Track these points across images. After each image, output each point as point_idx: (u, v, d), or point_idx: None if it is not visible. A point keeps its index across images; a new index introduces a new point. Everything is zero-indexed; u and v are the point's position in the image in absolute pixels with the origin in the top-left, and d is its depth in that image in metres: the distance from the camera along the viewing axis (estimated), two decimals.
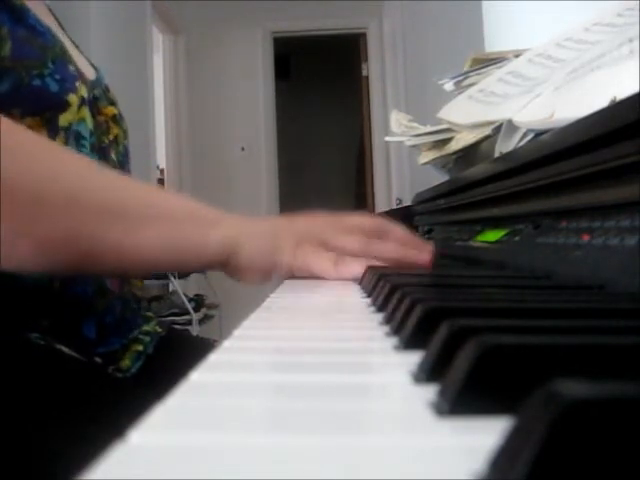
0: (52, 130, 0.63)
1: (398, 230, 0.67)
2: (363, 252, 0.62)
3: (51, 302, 0.64)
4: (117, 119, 0.77)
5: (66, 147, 0.63)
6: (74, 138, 0.66)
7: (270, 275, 0.61)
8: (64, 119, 0.64)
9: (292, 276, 0.62)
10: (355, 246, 0.62)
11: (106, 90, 0.77)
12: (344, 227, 0.64)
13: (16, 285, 0.61)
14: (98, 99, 0.73)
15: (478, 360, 0.19)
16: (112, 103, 0.77)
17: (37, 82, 0.62)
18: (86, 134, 0.68)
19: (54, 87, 0.63)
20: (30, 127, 0.60)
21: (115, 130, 0.76)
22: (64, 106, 0.64)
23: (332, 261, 0.61)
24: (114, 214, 0.52)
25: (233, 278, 0.61)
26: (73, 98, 0.66)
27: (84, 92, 0.68)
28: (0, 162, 0.46)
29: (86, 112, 0.68)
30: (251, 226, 0.60)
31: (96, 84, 0.74)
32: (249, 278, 0.60)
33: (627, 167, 0.44)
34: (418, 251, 0.65)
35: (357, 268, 0.61)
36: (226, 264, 0.58)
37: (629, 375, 0.19)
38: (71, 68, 0.68)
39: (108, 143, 0.74)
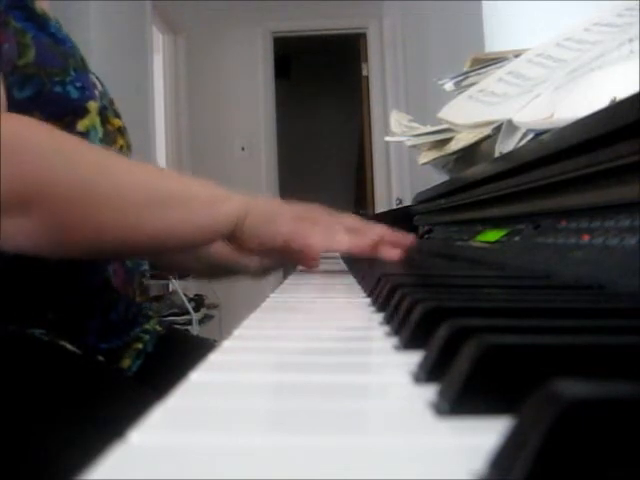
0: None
1: (378, 227, 0.74)
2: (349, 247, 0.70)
3: (57, 296, 0.64)
4: (122, 131, 0.78)
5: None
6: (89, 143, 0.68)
7: (269, 244, 0.66)
8: (82, 125, 0.67)
9: (288, 246, 0.67)
10: (342, 228, 0.70)
11: (111, 103, 0.78)
12: (334, 217, 0.71)
13: (23, 278, 0.62)
14: (107, 109, 0.74)
15: (478, 360, 0.19)
16: (117, 116, 0.78)
17: (59, 89, 0.64)
18: (95, 141, 0.69)
19: (74, 94, 0.66)
20: None
21: (120, 142, 0.77)
22: (83, 113, 0.67)
23: (323, 235, 0.68)
24: (149, 202, 0.58)
25: (237, 249, 0.67)
26: (92, 105, 0.68)
27: (99, 101, 0.71)
28: (45, 167, 0.52)
29: (97, 120, 0.70)
30: (254, 201, 0.66)
31: (103, 94, 0.76)
32: (250, 246, 0.66)
33: (627, 167, 0.44)
34: (394, 245, 0.73)
35: (346, 243, 0.69)
36: (231, 235, 0.64)
37: (629, 375, 0.19)
38: (90, 76, 0.71)
39: (115, 151, 0.75)
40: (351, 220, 0.73)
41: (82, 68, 0.69)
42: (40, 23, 0.66)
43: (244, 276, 0.90)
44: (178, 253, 0.84)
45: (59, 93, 0.64)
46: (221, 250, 0.79)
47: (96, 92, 0.71)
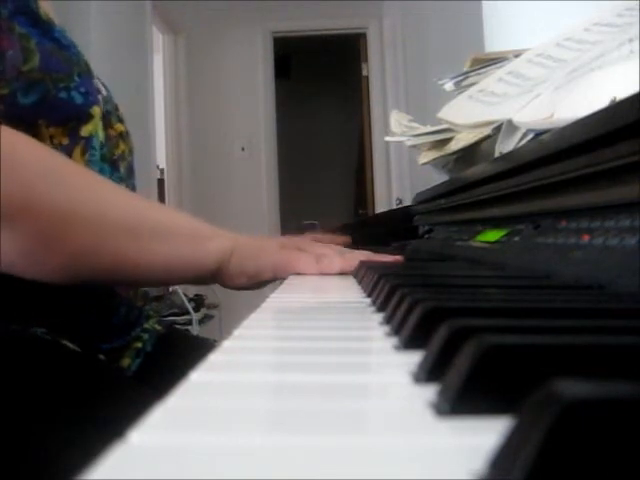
0: (73, 139, 0.66)
1: (364, 252, 0.76)
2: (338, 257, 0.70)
3: (59, 298, 0.65)
4: (124, 136, 0.79)
5: (87, 169, 0.67)
6: (91, 148, 0.69)
7: (257, 278, 0.67)
8: (86, 130, 0.68)
9: (277, 277, 0.68)
10: (330, 252, 0.71)
11: (116, 108, 0.78)
12: (320, 244, 0.73)
13: (24, 279, 0.62)
14: (110, 113, 0.75)
15: (478, 360, 0.19)
16: (120, 120, 0.78)
17: (63, 94, 0.65)
18: (96, 145, 0.69)
19: (79, 99, 0.66)
20: (53, 136, 0.63)
21: (122, 147, 0.77)
22: (87, 118, 0.67)
23: (313, 259, 0.68)
24: (133, 232, 0.58)
25: (224, 285, 0.67)
26: (96, 110, 0.69)
27: (102, 106, 0.71)
28: (35, 185, 0.52)
29: (99, 125, 0.70)
30: (239, 239, 0.66)
31: (108, 99, 0.76)
32: (239, 283, 0.66)
33: (627, 167, 0.44)
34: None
35: (337, 264, 0.68)
36: (218, 273, 0.64)
37: (629, 375, 0.19)
38: (95, 82, 0.71)
39: (117, 157, 0.75)
40: (336, 248, 0.74)
41: (87, 73, 0.70)
42: (45, 29, 0.66)
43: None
44: (158, 287, 0.84)
45: (64, 99, 0.65)
46: None
47: (100, 97, 0.71)
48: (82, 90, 0.67)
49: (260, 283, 0.69)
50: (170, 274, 0.63)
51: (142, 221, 0.59)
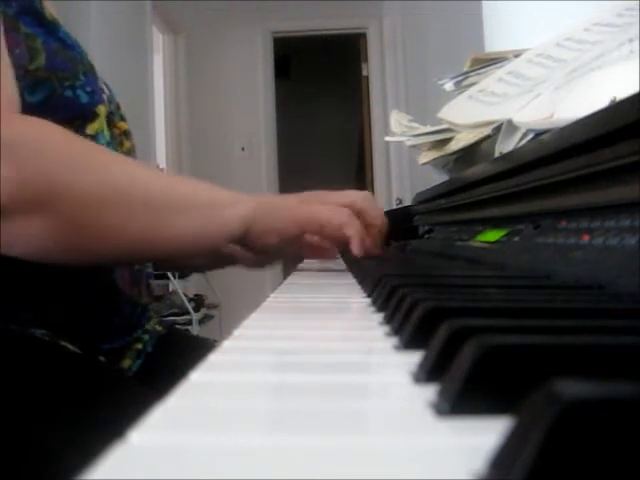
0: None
1: (378, 216, 0.76)
2: (355, 201, 0.72)
3: (60, 298, 0.64)
4: (127, 134, 0.79)
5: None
6: None
7: (285, 233, 0.68)
8: (91, 128, 0.68)
9: (304, 231, 0.69)
10: (348, 198, 0.73)
11: (118, 107, 0.79)
12: (338, 199, 0.73)
13: (26, 280, 0.62)
14: (113, 113, 0.76)
15: (478, 360, 0.19)
16: (123, 119, 0.79)
17: (69, 93, 0.65)
18: (104, 143, 0.70)
19: (84, 98, 0.67)
20: None
21: (127, 144, 0.78)
22: (93, 117, 0.68)
23: (333, 209, 0.69)
24: (159, 209, 0.59)
25: (255, 248, 0.68)
26: (101, 109, 0.69)
27: (107, 105, 0.72)
28: (65, 170, 0.54)
29: (104, 123, 0.71)
30: (261, 199, 0.68)
31: (111, 99, 0.77)
32: (268, 241, 0.67)
33: (627, 167, 0.44)
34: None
35: (356, 226, 0.69)
36: (246, 236, 0.65)
37: (629, 375, 0.19)
38: (99, 81, 0.72)
39: (123, 153, 0.76)
40: (354, 197, 0.75)
41: (91, 73, 0.70)
42: (50, 29, 0.67)
43: (243, 265, 0.91)
44: (188, 259, 0.86)
45: (69, 97, 0.65)
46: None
47: (104, 96, 0.72)
48: (88, 89, 0.67)
49: (289, 240, 0.70)
50: (198, 244, 0.64)
51: (167, 196, 0.61)
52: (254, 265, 0.90)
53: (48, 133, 0.55)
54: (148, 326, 0.78)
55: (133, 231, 0.58)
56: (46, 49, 0.64)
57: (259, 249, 0.69)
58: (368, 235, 0.72)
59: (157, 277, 2.89)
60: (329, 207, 0.70)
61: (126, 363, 0.71)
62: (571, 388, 0.14)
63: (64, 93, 0.65)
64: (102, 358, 0.68)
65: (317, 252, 0.82)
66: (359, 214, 0.71)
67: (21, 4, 0.63)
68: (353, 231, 0.69)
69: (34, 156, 0.52)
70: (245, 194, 0.67)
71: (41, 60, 0.63)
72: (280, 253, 0.81)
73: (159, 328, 0.81)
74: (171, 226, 0.60)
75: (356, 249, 0.69)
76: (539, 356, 0.19)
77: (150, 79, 3.50)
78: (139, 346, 0.73)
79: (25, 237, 0.53)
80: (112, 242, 0.58)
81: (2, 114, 0.52)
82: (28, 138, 0.53)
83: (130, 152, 0.79)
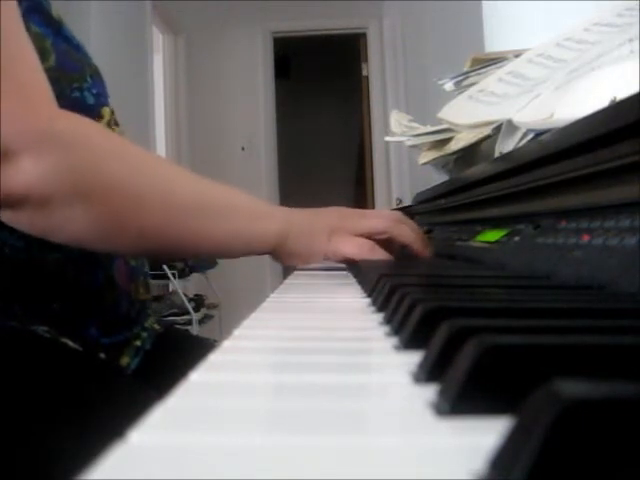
0: None
1: (410, 222, 0.79)
2: (384, 231, 0.74)
3: (59, 292, 0.65)
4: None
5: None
6: None
7: (308, 261, 0.71)
8: None
9: (327, 259, 0.72)
10: (379, 226, 0.73)
11: (112, 112, 0.79)
12: (368, 216, 0.75)
13: (25, 275, 0.63)
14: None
15: (478, 360, 0.19)
16: (116, 124, 0.79)
17: (76, 94, 0.66)
18: None
19: (90, 100, 0.68)
20: None
21: None
22: (97, 118, 0.69)
23: (357, 244, 0.71)
24: (196, 211, 0.62)
25: (277, 261, 0.71)
26: (106, 111, 0.71)
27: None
28: (109, 167, 0.56)
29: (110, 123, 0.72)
30: (295, 219, 0.70)
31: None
32: (291, 263, 0.71)
33: (627, 167, 0.44)
34: (423, 245, 0.77)
35: (379, 255, 0.71)
36: (274, 252, 0.68)
37: (629, 375, 0.19)
38: (104, 83, 0.73)
39: None
40: (386, 214, 0.77)
41: (97, 75, 0.71)
42: (57, 28, 0.67)
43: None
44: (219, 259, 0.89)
45: (77, 98, 0.66)
46: None
47: (109, 99, 0.73)
48: (94, 91, 0.68)
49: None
50: (230, 250, 0.67)
51: (205, 200, 0.63)
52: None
53: (99, 130, 0.58)
54: (146, 324, 0.78)
55: (169, 232, 0.60)
56: (56, 50, 0.65)
57: (285, 264, 0.72)
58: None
59: (157, 277, 2.89)
60: (356, 244, 0.71)
61: (124, 360, 0.71)
62: (571, 388, 0.14)
63: (72, 94, 0.65)
64: (102, 355, 0.68)
65: None
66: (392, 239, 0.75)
67: (30, 2, 0.64)
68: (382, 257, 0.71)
69: (82, 149, 0.55)
70: (281, 208, 0.70)
71: (51, 61, 0.64)
72: None
73: (157, 327, 0.81)
74: (208, 229, 0.62)
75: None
76: (539, 356, 0.19)
77: (150, 79, 3.50)
78: (138, 343, 0.73)
79: (67, 226, 0.55)
80: (149, 240, 0.60)
81: (52, 109, 0.54)
82: (78, 133, 0.55)
83: None
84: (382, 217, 0.75)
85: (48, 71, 0.62)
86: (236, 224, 0.64)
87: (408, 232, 0.75)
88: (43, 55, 0.63)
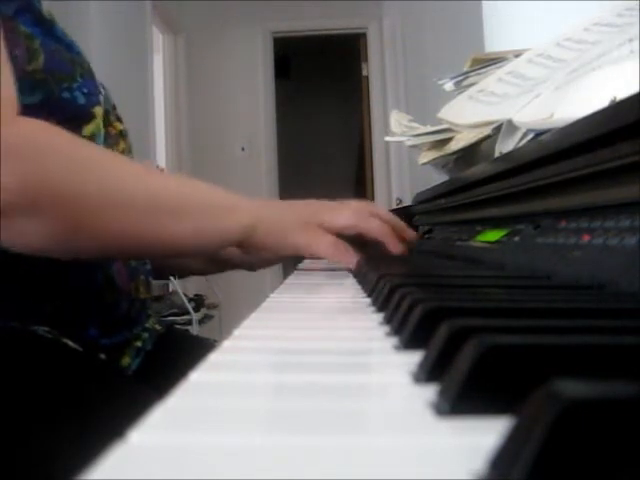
0: None
1: (385, 212, 0.78)
2: (355, 225, 0.72)
3: (59, 293, 0.65)
4: (124, 134, 0.79)
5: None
6: None
7: (279, 254, 0.69)
8: (88, 129, 0.68)
9: (298, 255, 0.71)
10: (349, 221, 0.72)
11: (114, 107, 0.79)
12: (338, 209, 0.74)
13: (25, 275, 0.63)
14: (109, 112, 0.76)
15: (478, 360, 0.19)
16: (119, 119, 0.79)
17: (66, 94, 0.65)
18: (100, 143, 0.71)
19: (81, 100, 0.67)
20: None
21: (122, 145, 0.78)
22: (89, 118, 0.68)
23: (331, 244, 0.69)
24: (160, 212, 0.60)
25: (247, 255, 0.70)
26: (98, 110, 0.70)
27: (103, 104, 0.72)
28: (64, 173, 0.54)
29: (101, 124, 0.71)
30: (264, 211, 0.68)
31: (106, 99, 0.77)
32: (262, 256, 0.70)
33: (627, 167, 0.44)
34: (400, 236, 0.77)
35: (352, 258, 0.70)
36: (242, 244, 0.66)
37: (629, 375, 0.19)
38: (96, 82, 0.72)
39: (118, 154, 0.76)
40: (359, 206, 0.75)
41: (88, 74, 0.70)
42: (47, 27, 0.67)
43: (241, 269, 0.92)
44: (185, 258, 0.86)
45: (67, 99, 0.65)
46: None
47: (100, 97, 0.72)
48: (84, 90, 0.67)
49: (283, 257, 0.72)
50: (197, 247, 0.65)
51: (164, 198, 0.61)
52: (254, 268, 0.91)
53: (50, 135, 0.55)
54: (147, 324, 0.78)
55: (128, 234, 0.58)
56: (45, 50, 0.64)
57: (253, 257, 0.71)
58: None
59: (157, 277, 2.89)
60: (329, 241, 0.69)
61: (125, 361, 0.71)
62: (571, 388, 0.14)
63: (61, 94, 0.65)
64: (102, 355, 0.68)
65: None
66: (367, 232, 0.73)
67: (20, 2, 0.63)
68: (351, 261, 0.70)
69: (36, 158, 0.52)
70: (248, 199, 0.67)
71: (40, 61, 0.63)
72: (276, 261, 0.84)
73: (158, 327, 0.81)
74: (169, 228, 0.60)
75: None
76: (539, 356, 0.19)
77: (150, 79, 3.50)
78: (138, 344, 0.73)
79: (25, 237, 0.53)
80: (110, 243, 0.58)
81: (3, 115, 0.52)
82: (30, 139, 0.53)
83: (125, 153, 0.79)
84: (352, 210, 0.74)
85: (37, 72, 0.62)
86: (198, 221, 0.62)
87: (377, 226, 0.74)
88: (32, 56, 0.62)
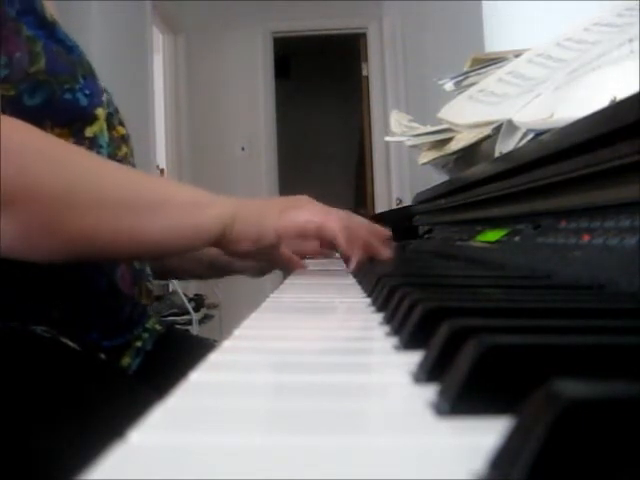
0: (79, 140, 0.66)
1: (364, 222, 0.77)
2: (314, 220, 0.70)
3: (61, 297, 0.65)
4: (125, 139, 0.79)
5: (84, 149, 0.66)
6: (97, 147, 0.69)
7: (261, 242, 0.66)
8: (90, 131, 0.68)
9: (281, 240, 0.68)
10: (315, 218, 0.70)
11: (116, 111, 0.79)
12: (320, 206, 0.72)
13: (27, 277, 0.63)
14: (112, 116, 0.76)
15: (478, 360, 0.19)
16: (121, 123, 0.79)
17: (68, 96, 0.65)
18: (103, 143, 0.70)
19: (84, 101, 0.67)
20: (59, 136, 0.63)
21: (124, 149, 0.78)
22: (92, 119, 0.68)
23: (314, 222, 0.68)
24: (131, 209, 0.58)
25: (229, 252, 0.67)
26: (100, 112, 0.69)
27: (106, 107, 0.72)
28: (32, 169, 0.52)
29: (103, 126, 0.71)
30: (240, 203, 0.66)
31: (109, 102, 0.77)
32: (243, 247, 0.65)
33: (627, 167, 0.44)
34: (381, 243, 0.76)
35: (337, 225, 0.68)
36: (220, 240, 0.64)
37: (629, 375, 0.19)
38: (99, 83, 0.71)
39: (120, 158, 0.76)
40: (339, 210, 0.74)
41: (91, 75, 0.70)
42: (50, 30, 0.67)
43: (242, 275, 0.91)
44: (162, 258, 0.84)
45: (69, 100, 0.65)
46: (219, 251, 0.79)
47: (103, 98, 0.72)
48: (87, 92, 0.67)
49: (265, 248, 0.68)
50: (172, 244, 0.63)
51: (140, 196, 0.60)
52: (253, 274, 0.91)
53: (25, 133, 0.54)
54: (148, 325, 0.78)
55: (102, 232, 0.57)
56: (47, 52, 0.64)
57: (233, 254, 0.68)
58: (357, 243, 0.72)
59: (157, 277, 2.89)
60: (308, 209, 0.69)
61: (125, 361, 0.71)
62: (571, 388, 0.14)
63: (63, 96, 0.64)
64: (102, 355, 0.68)
65: (291, 264, 0.80)
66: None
67: (23, 3, 0.63)
68: (335, 225, 0.68)
69: (9, 156, 0.51)
70: (225, 196, 0.66)
71: (41, 63, 0.63)
72: (259, 260, 0.80)
73: (158, 327, 0.81)
74: (145, 226, 0.59)
75: (342, 243, 0.69)
76: (539, 356, 0.19)
77: (150, 79, 3.50)
78: (138, 344, 0.73)
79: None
80: (82, 242, 0.56)
81: None
82: (5, 138, 0.51)
83: (127, 157, 0.79)
84: (311, 208, 0.71)
85: (38, 74, 0.62)
86: (173, 218, 0.60)
87: (334, 226, 0.70)
88: (34, 58, 0.62)
